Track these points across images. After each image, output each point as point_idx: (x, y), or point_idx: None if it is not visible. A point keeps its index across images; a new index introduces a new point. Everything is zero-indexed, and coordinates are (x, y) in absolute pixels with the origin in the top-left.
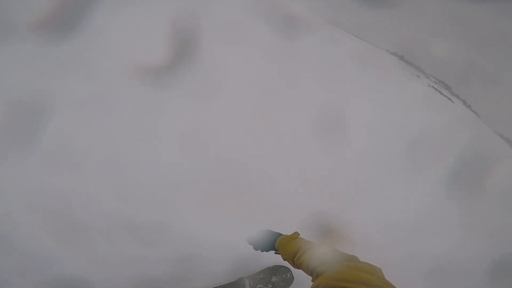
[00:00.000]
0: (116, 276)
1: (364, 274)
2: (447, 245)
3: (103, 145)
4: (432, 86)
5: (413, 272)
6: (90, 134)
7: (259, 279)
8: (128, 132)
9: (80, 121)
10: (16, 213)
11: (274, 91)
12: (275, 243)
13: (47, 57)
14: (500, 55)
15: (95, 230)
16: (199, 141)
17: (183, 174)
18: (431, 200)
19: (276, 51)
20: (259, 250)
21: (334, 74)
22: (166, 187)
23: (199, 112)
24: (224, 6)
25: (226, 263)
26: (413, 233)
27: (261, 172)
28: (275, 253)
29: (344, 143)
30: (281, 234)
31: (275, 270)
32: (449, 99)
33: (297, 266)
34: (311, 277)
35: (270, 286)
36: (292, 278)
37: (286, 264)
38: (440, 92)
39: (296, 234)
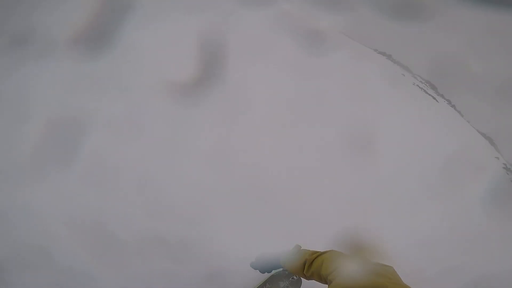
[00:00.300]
0: None
1: (377, 278)
2: (484, 262)
3: (135, 163)
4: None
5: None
6: (123, 152)
7: None
8: (159, 149)
9: (114, 139)
10: (55, 228)
11: (301, 108)
12: (280, 261)
13: (81, 74)
14: None
15: (128, 246)
16: (227, 158)
17: (212, 191)
18: (466, 218)
19: (303, 68)
20: (266, 272)
21: (362, 90)
22: (195, 203)
23: (226, 129)
24: (250, 22)
25: (254, 277)
26: (449, 250)
27: (288, 189)
28: (283, 271)
29: (374, 160)
30: (281, 253)
31: (280, 275)
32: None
33: (309, 278)
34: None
35: None
36: (300, 279)
37: None
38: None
39: (297, 247)
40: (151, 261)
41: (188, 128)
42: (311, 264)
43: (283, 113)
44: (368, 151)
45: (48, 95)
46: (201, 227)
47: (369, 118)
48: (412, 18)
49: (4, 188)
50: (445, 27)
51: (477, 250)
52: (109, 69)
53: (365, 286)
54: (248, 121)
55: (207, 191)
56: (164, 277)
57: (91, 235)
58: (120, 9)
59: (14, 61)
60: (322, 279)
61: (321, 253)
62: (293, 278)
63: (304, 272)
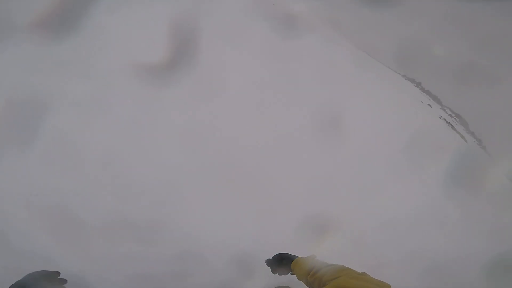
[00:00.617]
0: (115, 274)
1: (372, 285)
2: (445, 243)
3: (101, 144)
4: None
5: (411, 270)
6: (89, 133)
7: None
8: (127, 130)
9: (79, 120)
10: (13, 211)
11: (274, 90)
12: (291, 264)
13: (46, 56)
14: (499, 55)
15: (94, 229)
16: (198, 140)
17: (182, 173)
18: (428, 199)
19: (276, 51)
20: (277, 274)
21: (333, 74)
22: (165, 185)
23: (198, 111)
24: (223, 5)
25: (225, 261)
26: (411, 232)
27: (260, 171)
28: (290, 273)
29: (342, 142)
30: (297, 257)
31: None
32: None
33: (310, 284)
34: None
35: None
36: None
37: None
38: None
39: (312, 256)
40: (117, 243)
41: (158, 109)
42: (317, 272)
43: (256, 95)
44: (337, 133)
45: (8, 77)
46: (170, 208)
47: (338, 101)
48: (380, 3)
49: None
50: (410, 13)
51: (438, 232)
52: (75, 51)
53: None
54: (220, 103)
55: (177, 172)
56: (130, 260)
57: (52, 217)
58: None
59: None
60: (321, 285)
61: (328, 264)
62: None
63: (308, 278)
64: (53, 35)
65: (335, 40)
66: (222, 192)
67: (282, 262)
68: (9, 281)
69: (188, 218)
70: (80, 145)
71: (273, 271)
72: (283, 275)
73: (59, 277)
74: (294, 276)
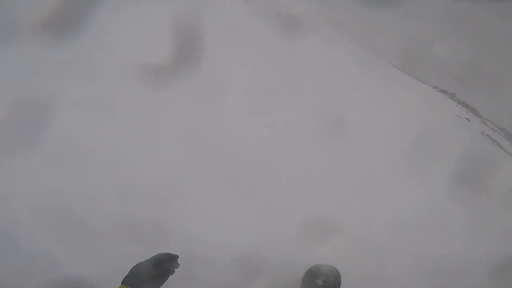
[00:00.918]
0: (119, 275)
1: None
2: (450, 245)
3: (105, 145)
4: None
5: (416, 272)
6: (93, 134)
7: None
8: (130, 132)
9: (83, 121)
10: (19, 212)
11: (275, 91)
12: None
13: (49, 57)
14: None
15: (97, 230)
16: (201, 141)
17: (186, 174)
18: (433, 200)
19: (279, 51)
20: None
21: (335, 74)
22: (168, 187)
23: (200, 112)
24: (226, 6)
25: (228, 262)
26: (416, 233)
27: (263, 172)
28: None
29: (345, 143)
30: None
31: (312, 274)
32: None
33: None
34: None
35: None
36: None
37: None
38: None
39: None
40: (122, 245)
41: (161, 110)
42: None
43: (258, 96)
44: (340, 133)
45: (13, 78)
46: (174, 210)
47: (341, 101)
48: (382, 4)
49: None
50: (412, 14)
51: (442, 233)
52: (78, 52)
53: None
54: (222, 103)
55: (180, 173)
56: (135, 261)
57: (58, 219)
58: None
59: None
60: None
61: None
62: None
63: None
64: (56, 36)
65: (337, 40)
66: (226, 193)
67: None
68: (14, 281)
69: (191, 219)
70: (84, 146)
71: None
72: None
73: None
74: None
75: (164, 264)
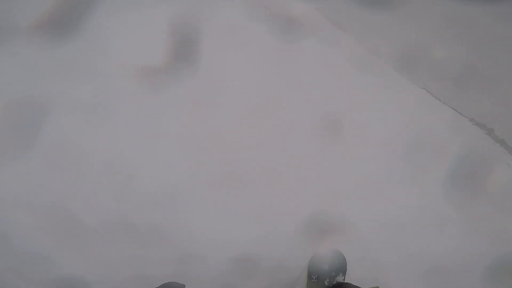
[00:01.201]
0: (115, 276)
1: None
2: (446, 245)
3: (102, 147)
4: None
5: (411, 272)
6: (89, 136)
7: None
8: (128, 133)
9: (80, 123)
10: (15, 213)
11: (274, 93)
12: None
13: (46, 58)
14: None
15: (94, 231)
16: (198, 143)
17: (182, 176)
18: (429, 202)
19: (276, 53)
20: None
21: (333, 76)
22: (165, 188)
23: (198, 115)
24: (223, 8)
25: (224, 263)
26: (412, 234)
27: (261, 173)
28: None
29: (343, 145)
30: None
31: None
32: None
33: None
34: None
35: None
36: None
37: None
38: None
39: None
40: (119, 246)
41: (159, 112)
42: None
43: (256, 98)
44: (336, 136)
45: (8, 79)
46: (171, 211)
47: (338, 104)
48: (380, 7)
49: None
50: (411, 16)
51: (438, 234)
52: (76, 54)
53: None
54: (220, 106)
55: (177, 175)
56: (133, 262)
57: (54, 220)
58: None
59: None
60: None
61: None
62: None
63: None
64: (54, 38)
65: (335, 42)
66: (223, 194)
67: None
68: (9, 282)
69: (189, 220)
70: (81, 148)
71: None
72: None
73: None
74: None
75: None
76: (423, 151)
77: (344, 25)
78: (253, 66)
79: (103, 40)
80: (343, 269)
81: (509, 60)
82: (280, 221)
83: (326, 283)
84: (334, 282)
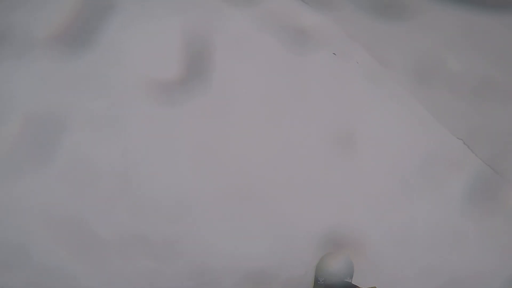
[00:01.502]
0: None
1: None
2: (462, 260)
3: (116, 160)
4: None
5: (428, 286)
6: (104, 149)
7: None
8: (142, 147)
9: (95, 136)
10: (32, 226)
11: (286, 105)
12: None
13: (61, 72)
14: None
15: (109, 244)
16: (211, 156)
17: (195, 189)
18: (445, 216)
19: (287, 65)
20: None
21: (344, 89)
22: (179, 201)
23: (210, 127)
24: (234, 20)
25: (237, 276)
26: (427, 249)
27: (273, 187)
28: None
29: (354, 158)
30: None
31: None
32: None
33: None
34: None
35: None
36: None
37: None
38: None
39: None
40: (133, 259)
41: (172, 126)
42: None
43: (268, 111)
44: (349, 149)
45: (26, 93)
46: (185, 225)
47: (351, 117)
48: (394, 17)
49: None
50: (424, 26)
51: (454, 249)
52: (90, 67)
53: None
54: (232, 120)
55: (191, 189)
56: (146, 276)
57: (71, 233)
58: (102, 9)
59: None
60: None
61: None
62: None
63: None
64: (67, 51)
65: (347, 54)
66: (236, 208)
67: None
68: None
69: (202, 234)
70: (97, 162)
71: None
72: None
73: None
74: None
75: None
76: (439, 165)
77: (355, 37)
78: (266, 79)
79: (117, 53)
80: (350, 273)
81: None
82: (293, 235)
83: (337, 286)
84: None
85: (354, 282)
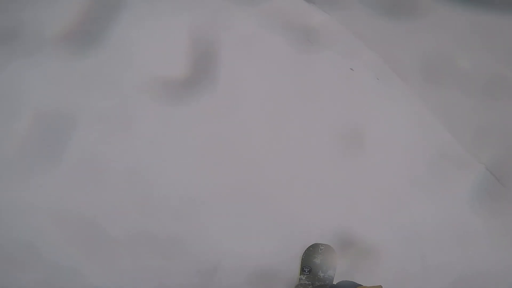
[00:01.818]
0: (137, 286)
1: None
2: (472, 258)
3: (125, 158)
4: None
5: (436, 284)
6: (113, 148)
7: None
8: (150, 145)
9: (104, 135)
10: (42, 224)
11: (293, 104)
12: None
13: (71, 70)
14: None
15: (118, 242)
16: (218, 154)
17: (203, 187)
18: (454, 214)
19: (295, 65)
20: None
21: (352, 87)
22: (186, 199)
23: (218, 126)
24: (241, 19)
25: (244, 275)
26: (436, 246)
27: (279, 185)
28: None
29: (364, 158)
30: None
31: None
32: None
33: None
34: None
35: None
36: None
37: None
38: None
39: (378, 286)
40: (142, 257)
41: (179, 124)
42: None
43: (275, 110)
44: (357, 149)
45: (37, 91)
46: (192, 223)
47: (359, 116)
48: (402, 16)
49: None
50: (434, 26)
51: (463, 247)
52: (99, 66)
53: None
54: (239, 118)
55: (199, 187)
56: (154, 273)
57: (80, 231)
58: (111, 8)
59: (3, 57)
60: None
61: None
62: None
63: None
64: (76, 50)
65: (355, 53)
66: (243, 207)
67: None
68: None
69: (209, 232)
70: (105, 160)
71: None
72: None
73: None
74: None
75: None
76: (448, 164)
77: (364, 35)
78: (273, 77)
79: (125, 52)
80: (333, 263)
81: None
82: (300, 234)
83: (321, 275)
84: (327, 275)
85: (358, 281)
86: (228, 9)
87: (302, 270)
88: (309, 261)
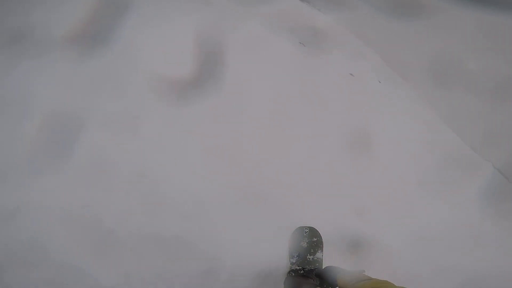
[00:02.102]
0: (144, 287)
1: None
2: (480, 259)
3: (132, 159)
4: None
5: (445, 286)
6: (120, 149)
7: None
8: (156, 146)
9: (111, 136)
10: (50, 224)
11: (299, 105)
12: (338, 274)
13: (79, 72)
14: None
15: (124, 242)
16: (224, 155)
17: (208, 188)
18: (463, 216)
19: (300, 66)
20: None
21: (358, 89)
22: (192, 200)
23: (223, 126)
24: (247, 21)
25: (250, 276)
26: (445, 248)
27: (286, 187)
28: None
29: (370, 159)
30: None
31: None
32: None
33: None
34: None
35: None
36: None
37: None
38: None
39: (361, 271)
40: (147, 257)
41: (185, 125)
42: (359, 282)
43: (280, 111)
44: (365, 150)
45: (45, 93)
46: (198, 224)
47: (366, 117)
48: (409, 17)
49: (1, 185)
50: (441, 27)
51: (471, 249)
52: (106, 67)
53: None
54: (245, 119)
55: (205, 188)
56: (160, 273)
57: (88, 231)
58: (118, 10)
59: (12, 59)
60: None
61: (377, 280)
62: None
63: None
64: (84, 52)
65: (362, 54)
66: (249, 209)
67: (329, 274)
68: None
69: (215, 234)
70: (113, 161)
71: (321, 284)
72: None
73: None
74: None
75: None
76: (456, 166)
77: (370, 37)
78: (279, 79)
79: (133, 54)
80: (320, 245)
81: None
82: None
83: (310, 258)
84: (316, 258)
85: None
86: (234, 11)
87: (291, 257)
88: (296, 246)
